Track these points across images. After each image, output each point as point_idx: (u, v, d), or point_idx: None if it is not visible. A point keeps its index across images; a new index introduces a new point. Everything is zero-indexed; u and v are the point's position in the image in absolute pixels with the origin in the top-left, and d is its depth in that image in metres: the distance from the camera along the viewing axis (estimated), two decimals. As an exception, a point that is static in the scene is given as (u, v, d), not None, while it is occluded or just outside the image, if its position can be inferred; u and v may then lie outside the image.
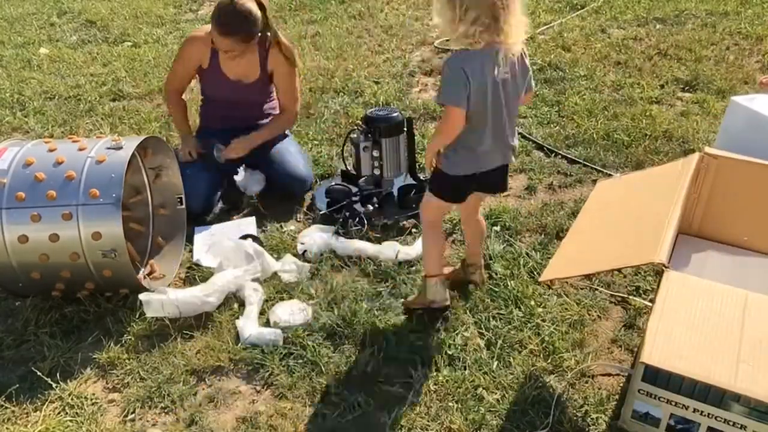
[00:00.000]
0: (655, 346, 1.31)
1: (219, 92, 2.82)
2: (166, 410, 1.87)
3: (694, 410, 1.45)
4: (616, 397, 1.81)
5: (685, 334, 1.33)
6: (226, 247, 2.34)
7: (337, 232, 2.49)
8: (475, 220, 2.15)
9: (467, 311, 2.12)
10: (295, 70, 2.82)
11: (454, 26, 1.71)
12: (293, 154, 2.84)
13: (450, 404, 1.81)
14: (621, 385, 1.84)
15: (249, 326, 2.06)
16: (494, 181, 1.98)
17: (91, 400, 1.91)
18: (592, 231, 1.81)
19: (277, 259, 2.38)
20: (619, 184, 2.05)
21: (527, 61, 1.84)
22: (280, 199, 2.79)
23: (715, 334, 1.33)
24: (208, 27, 2.63)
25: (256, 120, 2.91)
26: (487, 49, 1.71)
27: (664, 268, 1.42)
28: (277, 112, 2.96)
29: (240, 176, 2.75)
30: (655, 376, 1.46)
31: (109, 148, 2.16)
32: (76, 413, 1.86)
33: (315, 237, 2.43)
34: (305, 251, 2.41)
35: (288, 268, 2.33)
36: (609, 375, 1.88)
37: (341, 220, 2.55)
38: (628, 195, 1.93)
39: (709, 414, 1.44)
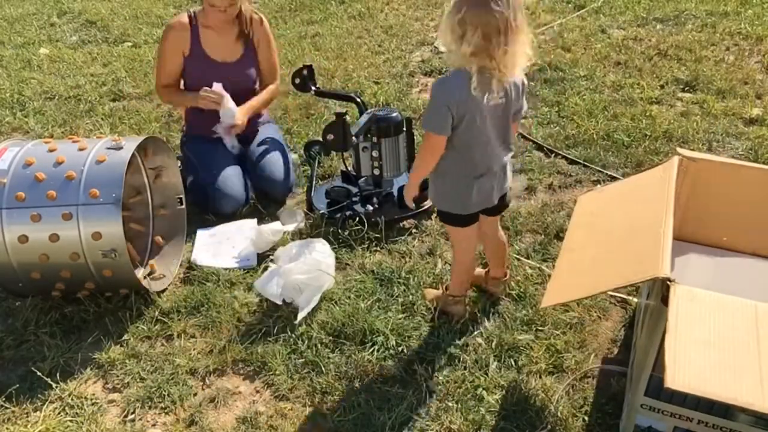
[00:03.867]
0: (677, 369, 1.28)
1: (205, 79, 2.70)
2: (166, 410, 1.87)
3: (699, 422, 1.45)
4: (617, 397, 1.81)
5: (703, 353, 1.31)
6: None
7: (337, 233, 2.49)
8: (495, 237, 2.10)
9: (467, 311, 2.12)
10: (273, 44, 2.91)
11: (454, 46, 1.66)
12: (275, 156, 2.84)
13: (450, 404, 1.81)
14: (621, 385, 1.84)
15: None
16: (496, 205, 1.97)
17: (91, 400, 1.91)
18: (585, 248, 1.79)
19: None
20: (601, 197, 2.04)
21: (524, 86, 1.80)
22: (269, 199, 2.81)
23: (733, 350, 1.31)
24: (183, 15, 2.73)
25: (253, 126, 2.91)
26: (478, 73, 1.65)
27: (669, 282, 1.41)
28: (266, 118, 3.02)
29: None
30: (659, 390, 1.45)
31: (109, 148, 2.16)
32: (76, 413, 1.86)
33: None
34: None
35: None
36: (609, 375, 1.88)
37: (341, 220, 2.55)
38: (614, 207, 1.92)
39: (714, 425, 1.44)
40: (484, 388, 1.85)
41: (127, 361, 2.02)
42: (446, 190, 1.88)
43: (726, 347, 1.32)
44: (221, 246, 2.52)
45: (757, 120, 3.24)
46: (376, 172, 2.63)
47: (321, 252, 2.28)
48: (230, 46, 2.78)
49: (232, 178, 2.72)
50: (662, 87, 3.64)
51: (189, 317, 2.18)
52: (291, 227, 2.56)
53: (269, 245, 2.46)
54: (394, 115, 2.56)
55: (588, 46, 4.22)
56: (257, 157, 2.84)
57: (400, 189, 2.71)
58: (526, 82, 1.80)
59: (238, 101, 2.73)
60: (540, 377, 1.88)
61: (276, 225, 2.51)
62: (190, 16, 2.74)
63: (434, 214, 2.65)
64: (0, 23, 5.40)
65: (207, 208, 2.71)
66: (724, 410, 1.40)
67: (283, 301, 2.17)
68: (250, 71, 2.85)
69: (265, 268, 2.34)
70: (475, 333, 2.04)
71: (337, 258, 2.38)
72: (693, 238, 2.06)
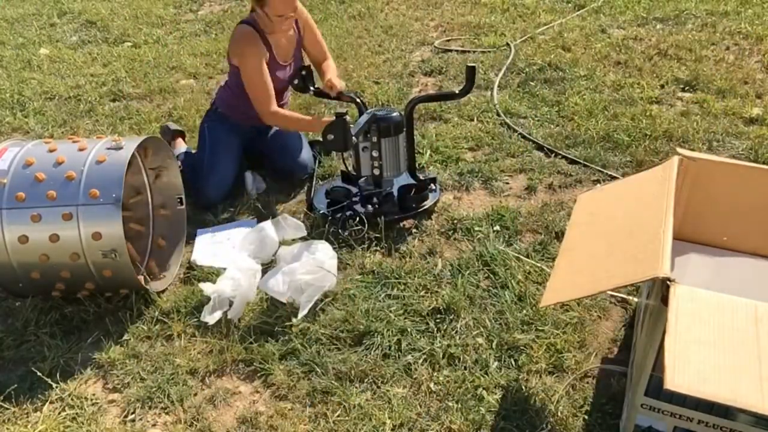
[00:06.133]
0: (676, 369, 1.28)
1: (275, 84, 2.77)
2: (166, 410, 1.87)
3: (699, 422, 1.45)
4: (617, 397, 1.81)
5: (702, 354, 1.30)
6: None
7: (337, 233, 2.50)
8: None
9: (467, 311, 2.12)
10: (314, 25, 2.96)
11: None
12: (294, 140, 2.96)
13: (450, 404, 1.82)
14: (621, 385, 1.84)
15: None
16: None
17: (91, 400, 1.91)
18: (584, 248, 1.80)
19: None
20: (600, 196, 2.04)
21: None
22: (280, 192, 2.85)
23: (733, 351, 1.31)
24: (245, 27, 2.69)
25: None
26: None
27: (669, 282, 1.41)
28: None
29: (248, 179, 2.89)
30: (659, 390, 1.45)
31: (109, 149, 2.16)
32: (76, 413, 1.86)
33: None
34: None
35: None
36: (609, 375, 1.88)
37: (341, 220, 2.55)
38: (613, 207, 1.92)
39: (714, 425, 1.44)
40: (484, 388, 1.85)
41: (127, 361, 2.02)
42: None
43: (726, 347, 1.32)
44: (221, 246, 2.52)
45: (757, 120, 3.24)
46: (376, 172, 2.63)
47: (324, 252, 2.28)
48: (289, 43, 2.83)
49: (227, 168, 2.83)
50: (662, 87, 3.63)
51: (189, 317, 2.18)
52: (262, 187, 2.79)
53: (269, 257, 2.45)
54: (394, 114, 2.56)
55: (588, 46, 4.22)
56: (274, 141, 2.95)
57: (401, 189, 2.71)
58: None
59: (284, 95, 2.93)
60: (540, 377, 1.88)
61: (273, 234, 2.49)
62: (251, 25, 2.69)
63: (434, 214, 2.65)
64: (0, 24, 5.40)
65: (193, 186, 2.76)
66: (725, 410, 1.40)
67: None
68: (294, 71, 2.92)
69: (267, 269, 2.34)
70: (475, 333, 2.04)
71: (337, 258, 2.38)
72: (693, 238, 2.06)
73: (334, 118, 2.35)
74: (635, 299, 2.14)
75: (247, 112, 2.86)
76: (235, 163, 2.88)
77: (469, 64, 2.50)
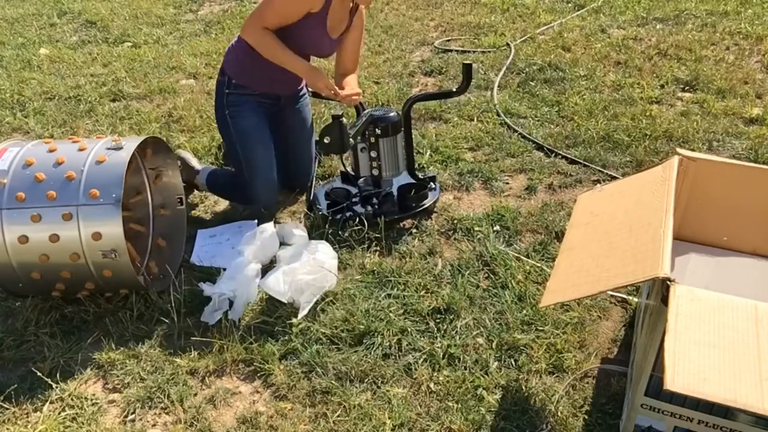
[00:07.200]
0: (676, 370, 1.28)
1: (307, 46, 2.57)
2: (166, 410, 1.87)
3: (699, 422, 1.46)
4: (617, 397, 1.81)
5: (702, 354, 1.30)
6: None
7: (337, 233, 2.49)
8: None
9: (467, 311, 2.12)
10: (363, 32, 2.78)
11: None
12: (307, 146, 2.85)
13: (450, 404, 1.82)
14: (621, 385, 1.84)
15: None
16: None
17: (91, 400, 1.91)
18: (584, 248, 1.80)
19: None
20: (600, 196, 2.04)
21: None
22: (279, 191, 2.81)
23: (733, 351, 1.31)
24: None
25: (300, 87, 2.83)
26: None
27: (669, 282, 1.41)
28: (305, 90, 2.89)
29: None
30: (659, 390, 1.45)
31: (109, 149, 2.16)
32: (76, 413, 1.86)
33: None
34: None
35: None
36: (609, 375, 1.88)
37: (341, 221, 2.55)
38: (614, 206, 1.92)
39: (714, 425, 1.44)
40: (484, 388, 1.85)
41: (127, 361, 2.02)
42: None
43: (726, 347, 1.32)
44: (221, 246, 2.52)
45: (757, 120, 3.24)
46: (375, 172, 2.63)
47: (324, 252, 2.28)
48: (341, 23, 2.60)
49: (265, 160, 2.63)
50: (662, 87, 3.64)
51: (189, 317, 2.18)
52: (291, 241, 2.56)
53: (269, 258, 2.45)
54: (392, 114, 2.56)
55: (588, 46, 4.22)
56: (291, 141, 2.79)
57: (400, 188, 2.71)
58: None
59: (299, 85, 2.77)
60: (540, 377, 1.88)
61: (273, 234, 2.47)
62: None
63: (434, 214, 2.65)
64: (0, 24, 5.40)
65: (241, 197, 2.70)
66: (725, 410, 1.40)
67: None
68: (332, 51, 2.73)
69: (267, 269, 2.34)
70: (475, 333, 2.04)
71: (337, 258, 2.38)
72: (693, 238, 2.06)
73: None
74: (635, 299, 2.14)
75: (263, 74, 2.58)
76: (271, 151, 2.65)
77: (466, 62, 2.49)
